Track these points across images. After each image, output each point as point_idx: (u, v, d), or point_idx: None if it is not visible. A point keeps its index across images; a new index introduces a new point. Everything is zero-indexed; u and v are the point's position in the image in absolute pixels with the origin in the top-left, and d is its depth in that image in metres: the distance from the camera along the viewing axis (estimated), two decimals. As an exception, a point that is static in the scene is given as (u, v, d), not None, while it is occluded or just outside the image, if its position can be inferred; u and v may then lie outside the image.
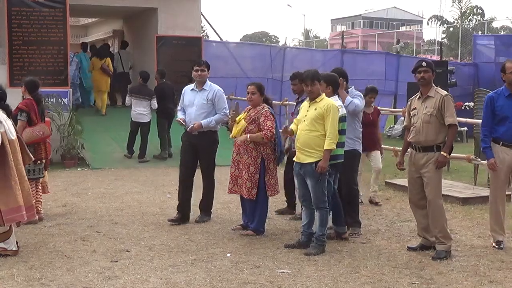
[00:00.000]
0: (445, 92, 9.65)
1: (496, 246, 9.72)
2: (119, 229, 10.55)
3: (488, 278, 8.25)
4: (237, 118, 11.09)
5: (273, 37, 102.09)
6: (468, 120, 15.94)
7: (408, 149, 10.12)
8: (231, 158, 11.14)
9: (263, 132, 10.57)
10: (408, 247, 9.83)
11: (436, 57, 34.19)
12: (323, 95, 9.75)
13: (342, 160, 10.01)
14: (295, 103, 12.76)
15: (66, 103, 19.93)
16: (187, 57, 23.31)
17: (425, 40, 73.68)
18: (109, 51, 27.45)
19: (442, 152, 9.42)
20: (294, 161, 10.01)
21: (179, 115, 11.82)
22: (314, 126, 9.54)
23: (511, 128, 9.62)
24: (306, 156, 9.60)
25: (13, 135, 9.42)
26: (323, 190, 9.60)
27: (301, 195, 9.96)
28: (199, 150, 11.62)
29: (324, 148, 9.42)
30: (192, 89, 11.70)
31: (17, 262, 8.97)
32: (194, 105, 11.51)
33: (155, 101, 19.38)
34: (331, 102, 9.60)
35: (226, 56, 27.30)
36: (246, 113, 11.07)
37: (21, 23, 19.59)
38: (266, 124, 10.63)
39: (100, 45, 30.03)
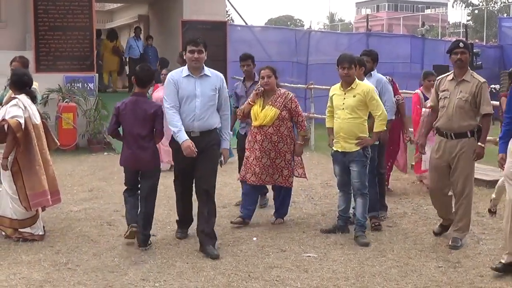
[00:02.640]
0: (483, 79, 9.08)
1: None
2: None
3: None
4: (254, 103, 10.16)
5: (298, 20, 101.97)
6: (494, 102, 15.81)
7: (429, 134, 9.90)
8: (249, 146, 10.28)
9: (304, 126, 10.42)
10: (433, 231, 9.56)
11: (462, 39, 33.74)
12: (357, 80, 9.45)
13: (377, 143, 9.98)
14: (243, 86, 11.62)
15: (92, 88, 19.89)
16: (213, 42, 23.01)
17: (450, 23, 73.31)
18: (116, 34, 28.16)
19: (480, 144, 8.91)
20: (332, 149, 9.67)
21: (182, 136, 8.56)
22: (357, 113, 9.27)
23: None
24: (352, 144, 9.31)
25: (37, 119, 9.41)
26: (366, 175, 9.49)
27: (342, 183, 9.64)
28: (200, 156, 8.64)
29: (375, 131, 9.41)
30: (187, 75, 8.70)
31: (44, 247, 8.97)
32: (197, 96, 8.62)
33: None
34: (368, 86, 9.45)
35: (251, 40, 27.16)
36: (261, 98, 10.15)
37: (47, 9, 19.56)
38: (301, 113, 10.32)
39: (111, 28, 30.54)
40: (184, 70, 8.78)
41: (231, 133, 9.25)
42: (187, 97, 8.65)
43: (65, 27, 19.77)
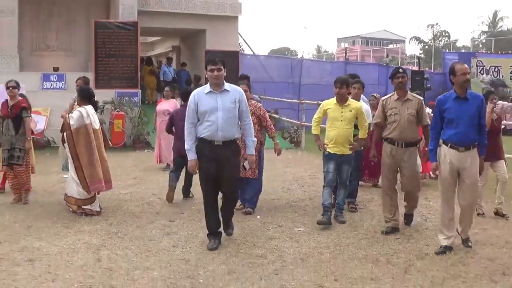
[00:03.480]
0: (420, 97, 8.92)
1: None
2: (176, 196, 10.44)
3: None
4: None
5: (293, 51, 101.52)
6: None
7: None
8: None
9: (272, 129, 9.89)
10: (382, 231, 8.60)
11: (415, 68, 33.92)
12: (350, 98, 9.23)
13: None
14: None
15: (136, 101, 20.00)
16: (228, 67, 23.14)
17: (407, 55, 73.09)
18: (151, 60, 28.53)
19: (427, 148, 8.37)
20: (329, 152, 9.04)
21: (190, 156, 7.71)
22: (351, 124, 9.03)
23: (460, 131, 7.55)
24: (346, 148, 9.01)
25: (97, 125, 9.55)
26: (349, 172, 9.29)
27: (332, 179, 9.02)
28: (223, 163, 7.63)
29: (360, 137, 9.21)
30: (209, 91, 7.57)
31: (100, 220, 9.01)
32: (219, 109, 7.48)
33: None
34: (358, 103, 9.29)
35: (257, 65, 27.16)
36: None
37: (104, 41, 19.81)
38: (268, 119, 9.88)
39: (147, 56, 30.24)
40: (206, 87, 7.61)
41: (255, 139, 8.04)
42: (210, 110, 7.45)
43: (117, 54, 20.00)
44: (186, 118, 7.68)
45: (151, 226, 8.67)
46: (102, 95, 16.70)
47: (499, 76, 29.79)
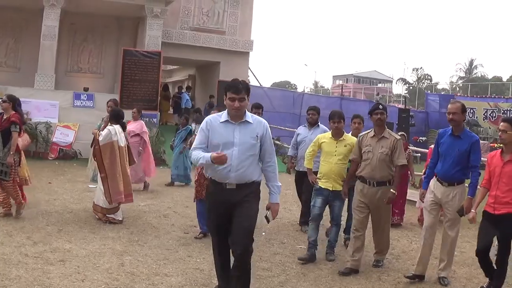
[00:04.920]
0: (398, 136, 7.75)
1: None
2: (188, 211, 10.44)
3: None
4: None
5: (293, 85, 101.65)
6: (420, 149, 16.42)
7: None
8: (198, 171, 8.53)
9: None
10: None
11: (401, 106, 34.13)
12: (345, 132, 8.24)
13: None
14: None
15: (155, 122, 20.02)
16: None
17: (394, 94, 73.36)
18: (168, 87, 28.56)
19: (392, 190, 7.50)
20: (319, 187, 8.04)
21: (206, 155, 5.53)
22: (345, 159, 7.99)
23: (445, 167, 7.09)
24: (339, 184, 7.94)
25: (122, 142, 9.59)
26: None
27: (318, 214, 7.99)
28: (235, 210, 5.58)
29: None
30: (225, 121, 5.62)
31: (122, 228, 8.99)
32: (235, 144, 5.51)
33: None
34: (353, 138, 8.12)
35: (262, 96, 27.22)
36: None
37: (130, 66, 19.96)
38: None
39: (164, 83, 30.29)
40: (223, 115, 5.62)
41: (280, 185, 5.83)
42: (224, 145, 5.48)
43: (141, 79, 20.20)
44: (194, 143, 5.73)
45: (168, 237, 8.65)
46: (126, 116, 16.72)
47: (474, 117, 29.96)
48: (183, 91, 27.55)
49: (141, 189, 12.91)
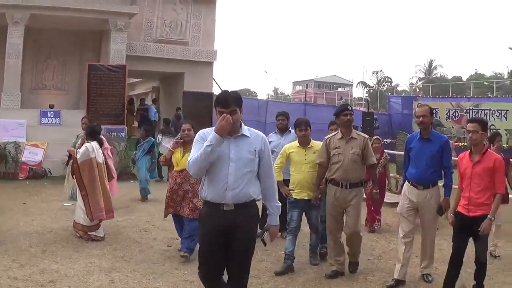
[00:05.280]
0: (366, 135, 7.67)
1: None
2: (167, 224, 10.35)
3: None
4: (174, 150, 8.38)
5: (253, 92, 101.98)
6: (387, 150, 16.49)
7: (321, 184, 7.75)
8: (171, 187, 8.25)
9: None
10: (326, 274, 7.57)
11: (363, 109, 34.63)
12: (311, 139, 8.07)
13: None
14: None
15: (123, 136, 19.93)
16: (203, 106, 23.65)
17: (355, 97, 74.18)
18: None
19: (375, 191, 7.97)
20: (294, 199, 7.88)
21: (210, 137, 4.88)
22: (316, 166, 7.72)
23: (418, 170, 7.10)
24: (311, 192, 7.76)
25: (100, 159, 9.61)
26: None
27: (296, 226, 7.85)
28: (235, 235, 5.00)
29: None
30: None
31: (105, 245, 8.96)
32: (231, 160, 4.96)
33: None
34: (320, 143, 7.86)
35: (227, 105, 27.39)
36: (181, 147, 8.33)
37: (96, 81, 19.78)
38: None
39: (129, 97, 30.19)
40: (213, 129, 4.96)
41: (279, 204, 5.28)
42: (218, 161, 4.90)
43: (107, 94, 19.99)
44: (191, 155, 4.98)
45: (152, 251, 8.68)
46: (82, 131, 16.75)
47: (437, 117, 30.45)
48: (146, 103, 27.47)
49: None
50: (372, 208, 10.68)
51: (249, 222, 5.08)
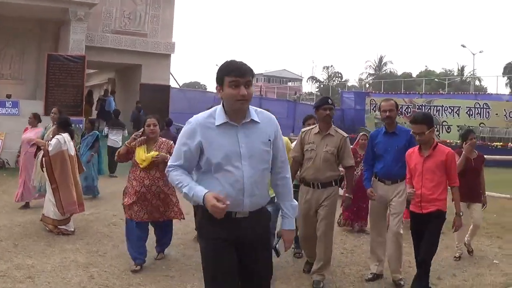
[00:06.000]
0: (345, 134, 6.99)
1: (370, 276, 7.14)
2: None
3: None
4: (130, 145, 7.40)
5: (202, 85, 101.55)
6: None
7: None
8: (136, 190, 7.22)
9: None
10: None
11: (312, 103, 35.26)
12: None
13: None
14: None
15: (81, 128, 19.56)
16: (160, 98, 23.50)
17: (306, 92, 74.76)
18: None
19: (347, 195, 7.27)
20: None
21: (198, 192, 3.63)
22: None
23: (386, 165, 6.85)
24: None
25: (72, 151, 9.38)
26: None
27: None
28: (250, 249, 3.81)
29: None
30: (225, 123, 3.70)
31: (77, 239, 8.77)
32: (243, 157, 3.68)
33: (126, 131, 17.85)
34: (285, 138, 6.46)
35: (181, 98, 27.39)
36: (143, 144, 7.32)
37: (55, 72, 19.45)
38: None
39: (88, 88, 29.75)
40: (218, 114, 3.72)
41: (296, 203, 4.07)
42: (227, 158, 3.65)
43: (65, 84, 19.73)
44: (171, 159, 3.90)
45: (125, 246, 8.28)
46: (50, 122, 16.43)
47: (390, 113, 31.00)
48: (107, 95, 27.09)
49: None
50: (355, 209, 9.92)
51: (267, 234, 4.00)
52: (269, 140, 3.83)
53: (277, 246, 4.36)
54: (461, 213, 6.16)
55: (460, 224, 6.16)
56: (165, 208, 7.40)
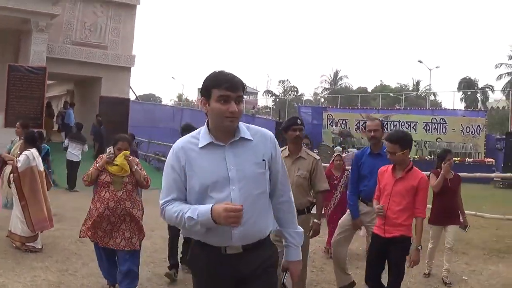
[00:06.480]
0: (317, 156, 6.61)
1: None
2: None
3: None
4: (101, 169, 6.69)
5: (157, 97, 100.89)
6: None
7: None
8: (100, 212, 6.60)
9: (145, 175, 6.84)
10: None
11: (273, 118, 35.22)
12: None
13: None
14: None
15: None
16: (120, 111, 23.33)
17: (261, 106, 74.90)
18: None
19: (315, 220, 6.51)
20: None
21: (202, 211, 3.07)
22: None
23: (370, 186, 6.46)
24: None
25: (41, 167, 9.20)
26: None
27: None
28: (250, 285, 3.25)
29: None
30: (209, 143, 3.21)
31: (45, 257, 8.57)
32: (232, 182, 3.15)
33: (87, 145, 17.51)
34: None
35: (139, 111, 27.47)
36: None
37: (15, 83, 19.19)
38: (144, 172, 6.89)
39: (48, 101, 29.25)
40: (202, 134, 3.27)
41: (301, 230, 3.60)
42: (213, 185, 3.17)
43: (26, 96, 19.42)
44: (162, 192, 3.32)
45: (95, 264, 8.12)
46: (12, 134, 16.02)
47: (347, 128, 31.27)
48: (67, 107, 26.71)
49: None
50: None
51: (267, 272, 3.35)
52: (264, 160, 3.30)
53: (284, 281, 3.59)
54: (419, 247, 5.70)
55: (416, 259, 5.72)
56: (132, 235, 6.65)
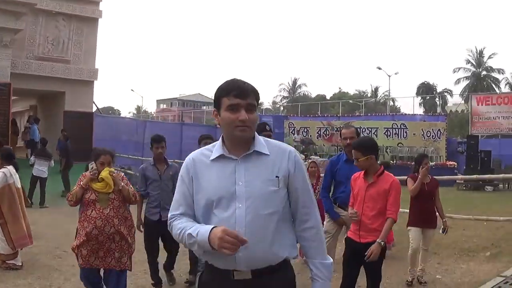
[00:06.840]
0: None
1: None
2: (79, 249, 10.13)
3: None
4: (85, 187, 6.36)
5: (116, 110, 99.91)
6: None
7: None
8: (88, 231, 6.22)
9: (133, 191, 6.69)
10: None
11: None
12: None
13: None
14: (154, 169, 7.78)
15: (8, 157, 19.00)
16: (84, 126, 23.18)
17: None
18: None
19: None
20: None
21: (202, 232, 2.81)
22: None
23: (346, 192, 6.36)
24: None
25: (19, 184, 9.14)
26: None
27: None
28: None
29: None
30: (220, 156, 2.95)
31: (27, 274, 8.52)
32: (238, 199, 2.84)
33: (53, 161, 17.36)
34: None
35: (102, 123, 27.02)
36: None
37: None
38: (132, 187, 6.67)
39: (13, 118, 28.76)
40: (216, 147, 3.00)
41: (331, 262, 3.10)
42: (218, 201, 2.88)
43: (-9, 112, 19.02)
44: (172, 206, 3.10)
45: (77, 279, 8.07)
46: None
47: (308, 136, 31.46)
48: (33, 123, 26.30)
49: None
50: None
51: None
52: (277, 177, 2.95)
53: None
54: (381, 242, 5.53)
55: (376, 252, 5.50)
56: (121, 254, 6.43)
